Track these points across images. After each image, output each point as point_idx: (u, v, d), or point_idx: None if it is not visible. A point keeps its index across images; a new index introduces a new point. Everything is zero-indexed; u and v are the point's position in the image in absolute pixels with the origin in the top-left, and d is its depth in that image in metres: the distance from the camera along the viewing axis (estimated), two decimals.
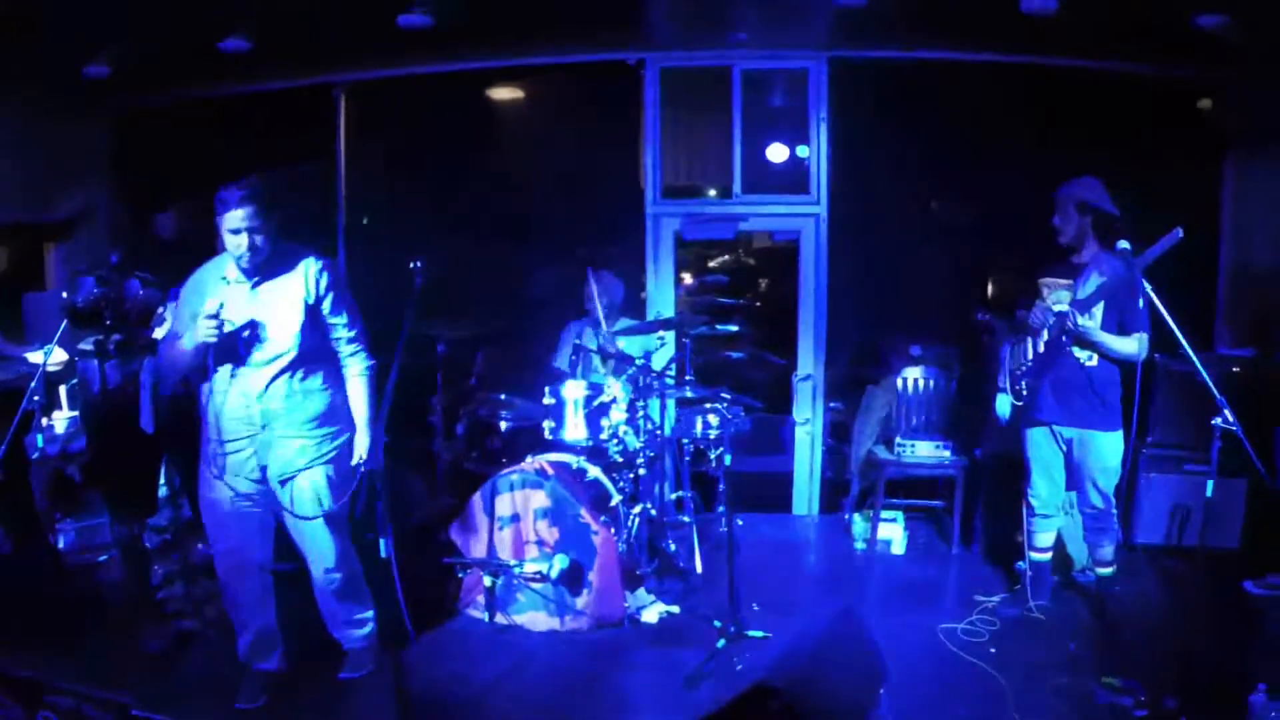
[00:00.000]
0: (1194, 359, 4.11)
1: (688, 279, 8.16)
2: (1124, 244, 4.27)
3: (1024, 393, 4.96)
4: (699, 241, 7.63)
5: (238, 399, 4.00)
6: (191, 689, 4.36)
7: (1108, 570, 5.00)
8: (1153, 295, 4.21)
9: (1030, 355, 4.90)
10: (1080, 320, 4.55)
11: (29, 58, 6.22)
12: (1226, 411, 4.09)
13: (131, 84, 6.92)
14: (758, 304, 8.37)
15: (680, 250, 7.35)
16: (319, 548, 4.18)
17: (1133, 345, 4.55)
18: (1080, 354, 4.72)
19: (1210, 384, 4.08)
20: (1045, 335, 4.79)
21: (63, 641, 4.67)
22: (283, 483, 4.08)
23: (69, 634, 4.81)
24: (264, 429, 4.02)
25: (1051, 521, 5.08)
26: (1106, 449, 4.77)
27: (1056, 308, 4.74)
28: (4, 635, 4.47)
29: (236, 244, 3.86)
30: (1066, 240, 4.77)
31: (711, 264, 8.65)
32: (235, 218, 3.81)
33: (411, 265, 4.14)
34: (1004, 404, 5.09)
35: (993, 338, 5.49)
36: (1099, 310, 4.63)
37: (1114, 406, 4.74)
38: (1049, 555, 5.16)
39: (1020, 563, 5.32)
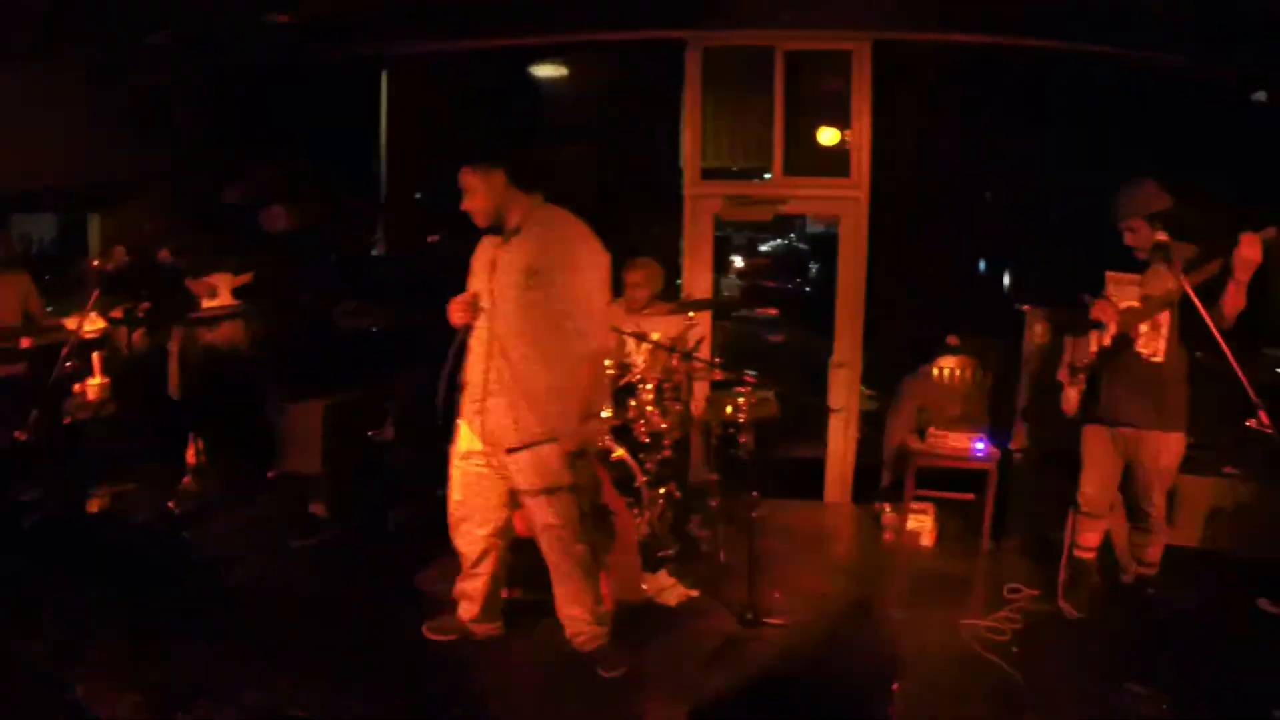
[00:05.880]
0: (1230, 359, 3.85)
1: (738, 262, 8.04)
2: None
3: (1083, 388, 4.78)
4: (740, 223, 7.54)
5: None
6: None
7: (1150, 570, 4.85)
8: (1191, 292, 4.00)
9: (1094, 349, 4.74)
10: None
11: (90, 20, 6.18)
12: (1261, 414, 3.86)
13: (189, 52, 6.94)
14: (806, 289, 8.18)
15: (725, 232, 7.27)
16: None
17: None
18: (1145, 350, 4.56)
19: (1247, 386, 3.80)
20: (1111, 330, 4.61)
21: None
22: None
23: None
24: None
25: (1098, 521, 4.94)
26: (1166, 450, 4.61)
27: (1124, 304, 4.59)
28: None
29: None
30: (1138, 246, 4.52)
31: (761, 248, 8.51)
32: None
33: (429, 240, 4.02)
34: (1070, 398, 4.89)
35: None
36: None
37: (1177, 407, 4.58)
38: (1093, 555, 5.01)
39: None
